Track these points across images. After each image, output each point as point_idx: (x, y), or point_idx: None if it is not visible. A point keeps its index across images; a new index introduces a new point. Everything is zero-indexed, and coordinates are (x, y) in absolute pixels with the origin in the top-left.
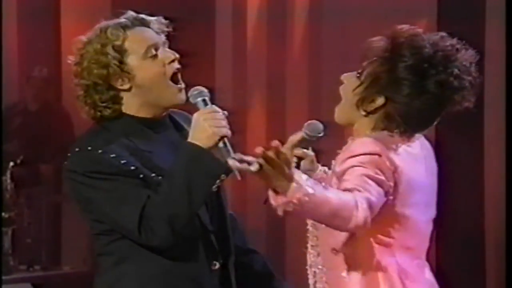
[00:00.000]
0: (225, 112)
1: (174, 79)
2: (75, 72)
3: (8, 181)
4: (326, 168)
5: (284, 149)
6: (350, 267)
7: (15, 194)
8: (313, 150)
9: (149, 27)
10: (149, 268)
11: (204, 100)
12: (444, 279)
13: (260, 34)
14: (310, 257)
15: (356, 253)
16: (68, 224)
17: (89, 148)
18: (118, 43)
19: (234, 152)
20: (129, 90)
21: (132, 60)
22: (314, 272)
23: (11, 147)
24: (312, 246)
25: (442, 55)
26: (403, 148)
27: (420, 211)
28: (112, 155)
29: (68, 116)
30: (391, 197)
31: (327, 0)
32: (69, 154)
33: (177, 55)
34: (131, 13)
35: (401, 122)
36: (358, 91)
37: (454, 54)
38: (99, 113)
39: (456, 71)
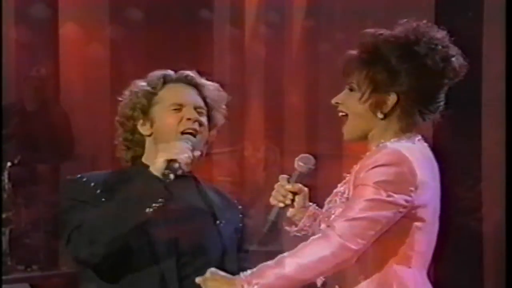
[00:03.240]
0: (198, 152)
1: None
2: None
3: (6, 181)
4: (315, 205)
5: (277, 186)
6: (367, 275)
7: (13, 194)
8: (306, 187)
9: (197, 88)
10: None
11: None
12: (442, 282)
13: (258, 35)
14: None
15: (373, 261)
16: None
17: (79, 175)
18: (152, 90)
19: (173, 177)
20: (149, 135)
21: (158, 109)
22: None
23: (8, 147)
24: None
25: (422, 34)
26: (419, 150)
27: (430, 212)
28: (92, 184)
29: (66, 116)
30: (412, 210)
31: (325, 0)
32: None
33: (199, 119)
34: (184, 72)
35: (417, 110)
36: (366, 98)
37: (428, 29)
38: (123, 152)
39: (440, 41)
